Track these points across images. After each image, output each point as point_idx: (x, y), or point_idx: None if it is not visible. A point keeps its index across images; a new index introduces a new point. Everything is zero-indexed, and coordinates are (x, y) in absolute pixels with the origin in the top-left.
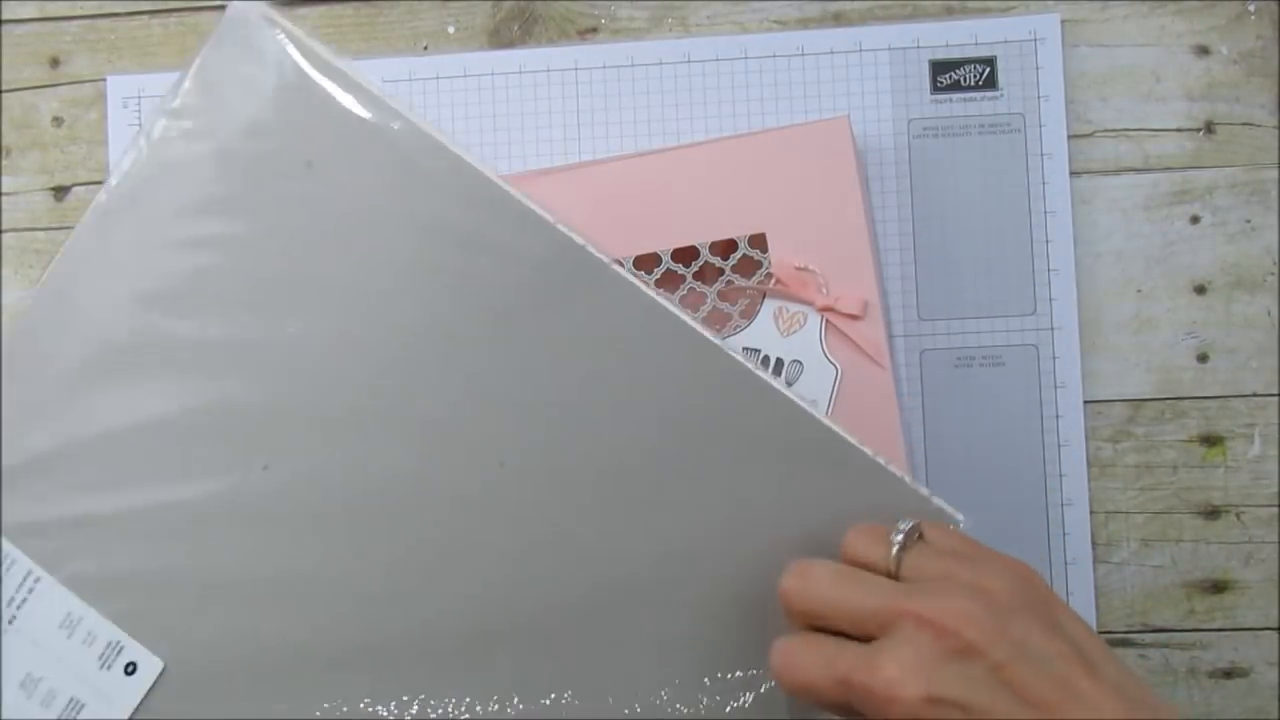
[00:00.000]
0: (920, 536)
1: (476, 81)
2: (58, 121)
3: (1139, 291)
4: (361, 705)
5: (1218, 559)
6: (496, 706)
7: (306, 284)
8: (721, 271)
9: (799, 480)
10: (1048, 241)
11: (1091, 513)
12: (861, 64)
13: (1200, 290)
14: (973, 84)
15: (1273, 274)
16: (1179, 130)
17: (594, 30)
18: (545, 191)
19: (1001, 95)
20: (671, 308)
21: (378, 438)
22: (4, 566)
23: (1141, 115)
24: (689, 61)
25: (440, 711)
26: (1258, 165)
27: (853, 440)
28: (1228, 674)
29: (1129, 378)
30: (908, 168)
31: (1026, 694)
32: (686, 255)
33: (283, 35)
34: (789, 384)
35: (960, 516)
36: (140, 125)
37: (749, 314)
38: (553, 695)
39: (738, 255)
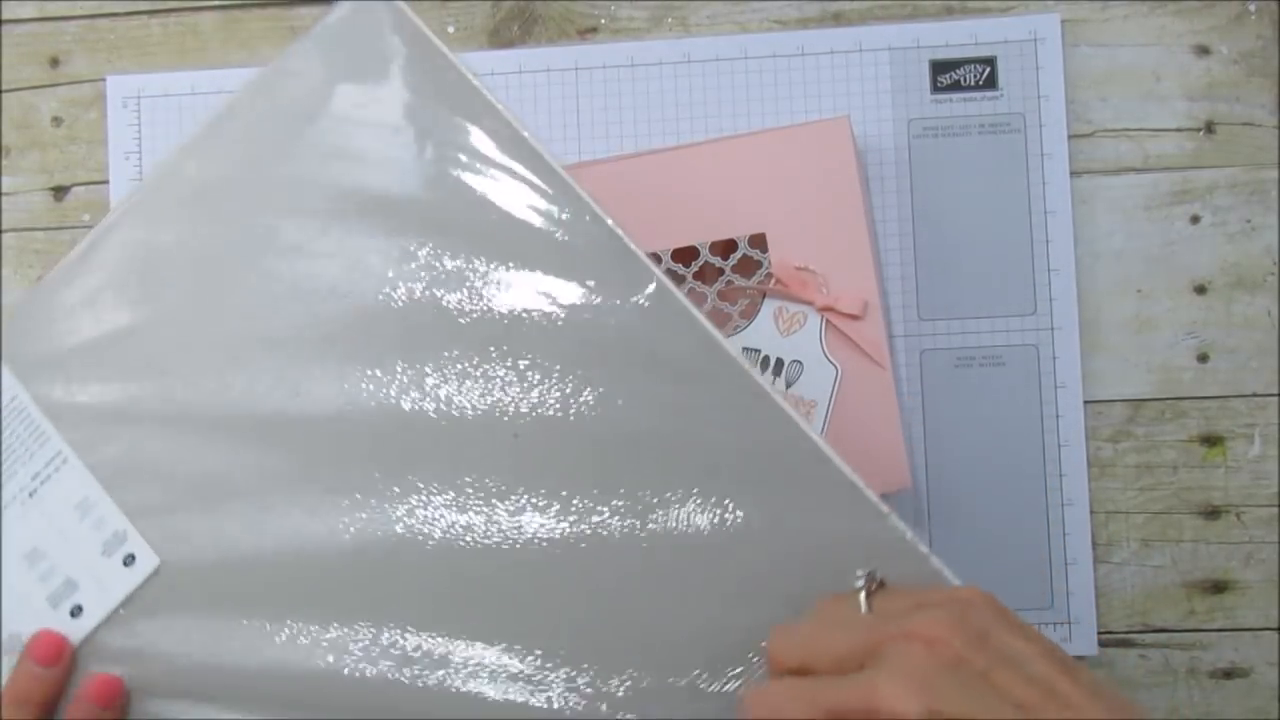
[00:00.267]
0: (882, 583)
1: None
2: (57, 121)
3: (1139, 291)
4: (350, 630)
5: (1218, 559)
6: (508, 633)
7: None
8: (721, 271)
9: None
10: (1048, 241)
11: (1091, 513)
12: (861, 64)
13: (1200, 290)
14: (973, 84)
15: (1273, 274)
16: (1179, 130)
17: (594, 30)
18: None
19: (1001, 95)
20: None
21: (403, 381)
22: (37, 443)
23: (1141, 115)
24: (689, 61)
25: (439, 642)
26: (1258, 165)
27: (863, 487)
28: (1228, 674)
29: (1129, 378)
30: (908, 168)
31: (1013, 698)
32: (686, 255)
33: None
34: (789, 384)
35: (957, 581)
36: (140, 125)
37: (749, 314)
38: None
39: (738, 255)
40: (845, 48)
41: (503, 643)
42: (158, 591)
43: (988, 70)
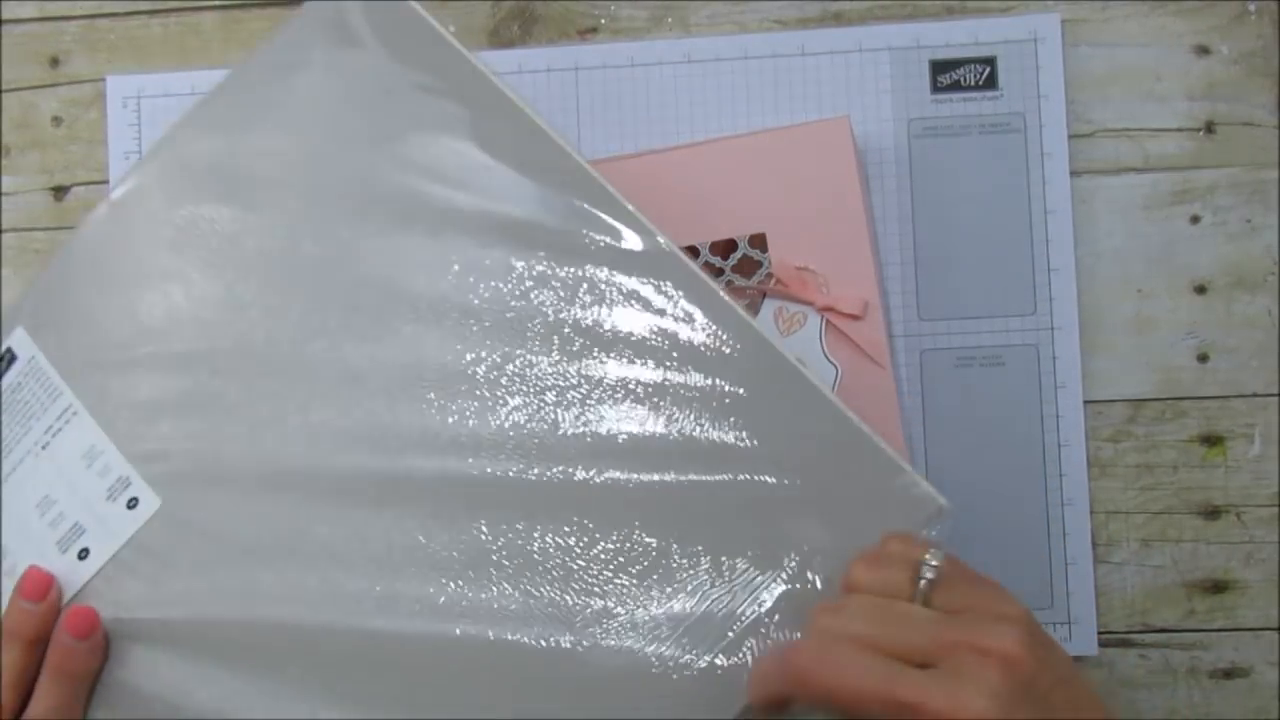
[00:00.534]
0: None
1: None
2: (57, 121)
3: (1139, 291)
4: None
5: (1218, 559)
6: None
7: None
8: (721, 271)
9: (789, 441)
10: (1048, 241)
11: (1091, 513)
12: (861, 64)
13: (1200, 290)
14: (973, 84)
15: (1273, 274)
16: (1179, 130)
17: (594, 30)
18: None
19: (1002, 95)
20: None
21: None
22: (50, 399)
23: (1142, 115)
24: (689, 61)
25: (444, 590)
26: (1258, 165)
27: (851, 415)
28: (1228, 674)
29: (1129, 378)
30: (908, 168)
31: (1065, 714)
32: (687, 255)
33: None
34: None
35: (945, 501)
36: (140, 125)
37: (749, 314)
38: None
39: (738, 255)
40: (845, 48)
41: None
42: (157, 531)
43: (988, 70)
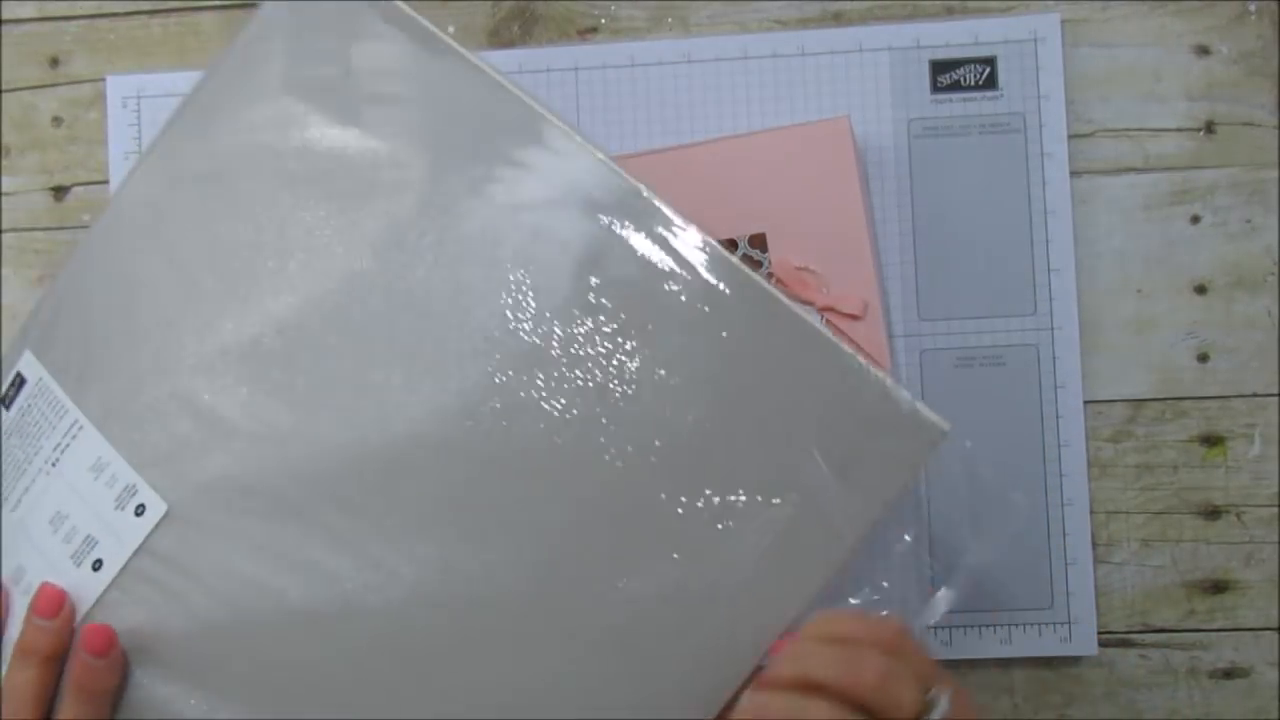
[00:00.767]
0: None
1: None
2: (57, 121)
3: (1139, 291)
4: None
5: (1218, 559)
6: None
7: None
8: None
9: (784, 373)
10: (1048, 241)
11: (1091, 513)
12: (861, 64)
13: (1200, 290)
14: (973, 84)
15: (1273, 274)
16: (1179, 130)
17: (594, 30)
18: None
19: (1002, 95)
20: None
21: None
22: (57, 416)
23: (1142, 115)
24: (689, 61)
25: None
26: (1258, 165)
27: (845, 348)
28: (1228, 674)
29: (1129, 378)
30: (908, 168)
31: None
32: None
33: None
34: None
35: (946, 425)
36: (140, 125)
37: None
38: None
39: (738, 255)
40: (845, 48)
41: None
42: (167, 535)
43: (988, 70)
